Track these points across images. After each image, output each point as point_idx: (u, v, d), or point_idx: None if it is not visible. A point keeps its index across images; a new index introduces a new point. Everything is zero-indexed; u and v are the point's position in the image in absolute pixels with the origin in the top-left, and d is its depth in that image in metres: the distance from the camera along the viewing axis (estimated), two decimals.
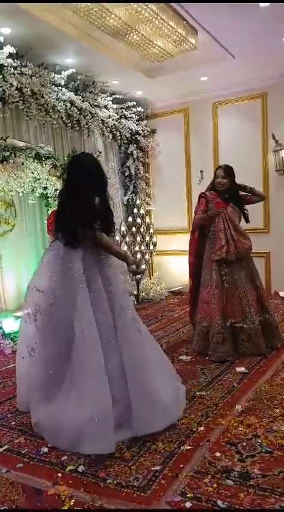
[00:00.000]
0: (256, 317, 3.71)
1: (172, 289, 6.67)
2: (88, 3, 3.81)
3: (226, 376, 3.26)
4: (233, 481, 1.98)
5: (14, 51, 4.30)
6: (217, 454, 2.20)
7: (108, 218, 2.67)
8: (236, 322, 3.66)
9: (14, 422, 2.67)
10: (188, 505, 1.83)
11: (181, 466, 2.12)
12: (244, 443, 2.29)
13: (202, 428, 2.47)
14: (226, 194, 3.85)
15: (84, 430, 2.27)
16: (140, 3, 3.89)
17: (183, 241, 6.76)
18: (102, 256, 2.66)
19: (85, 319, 2.44)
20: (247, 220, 3.95)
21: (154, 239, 6.58)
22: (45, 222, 4.94)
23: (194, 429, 2.47)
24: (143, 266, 6.10)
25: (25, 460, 2.26)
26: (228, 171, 3.83)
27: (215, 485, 1.94)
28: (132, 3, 3.89)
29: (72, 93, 5.23)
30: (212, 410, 2.69)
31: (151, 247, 6.54)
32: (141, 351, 2.54)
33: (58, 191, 4.76)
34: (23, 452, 2.34)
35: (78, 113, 5.38)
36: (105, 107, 5.96)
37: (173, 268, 6.90)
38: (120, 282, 2.72)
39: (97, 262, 2.63)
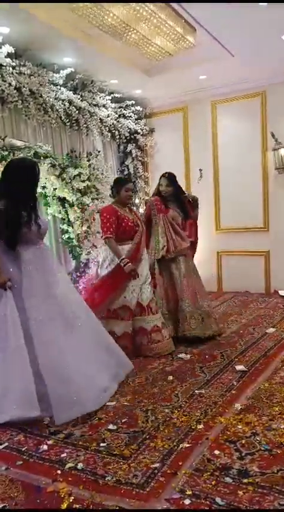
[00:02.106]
0: (190, 306, 4.13)
1: None
2: (87, 3, 3.81)
3: (225, 374, 3.27)
4: (232, 478, 1.98)
5: (13, 51, 4.29)
6: (216, 451, 2.20)
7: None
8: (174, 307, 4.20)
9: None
10: (187, 502, 1.83)
11: (180, 463, 2.12)
12: (243, 441, 2.30)
13: (201, 426, 2.48)
14: (170, 199, 4.32)
15: None
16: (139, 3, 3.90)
17: None
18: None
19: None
20: (186, 216, 4.37)
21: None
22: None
23: (193, 427, 2.47)
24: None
25: (24, 457, 2.27)
26: (171, 179, 4.31)
27: (214, 483, 1.95)
28: (130, 3, 3.89)
29: (70, 92, 5.22)
30: (211, 409, 2.70)
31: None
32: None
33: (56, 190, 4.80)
34: (23, 449, 2.35)
35: (77, 112, 5.37)
36: (104, 106, 5.96)
37: None
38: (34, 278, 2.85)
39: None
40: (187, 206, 4.39)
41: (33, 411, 2.57)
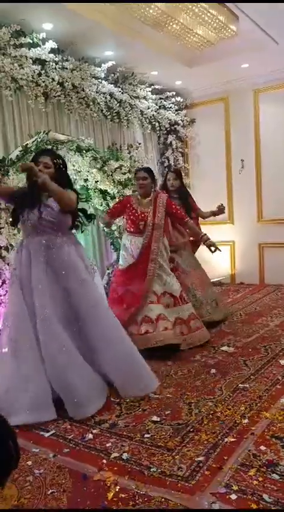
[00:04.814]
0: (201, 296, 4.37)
1: (213, 280, 6.59)
2: None
3: (270, 369, 3.21)
4: (279, 475, 1.95)
5: (56, 46, 4.36)
6: (262, 447, 2.17)
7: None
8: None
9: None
10: (233, 497, 1.82)
11: (225, 458, 2.11)
12: None
13: (246, 420, 2.45)
14: (176, 194, 4.46)
15: None
16: None
17: (223, 232, 6.69)
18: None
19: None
20: (188, 211, 4.39)
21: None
22: None
23: (238, 421, 2.45)
24: None
25: (71, 445, 2.33)
26: (179, 174, 4.57)
27: (260, 479, 1.92)
28: None
29: (111, 85, 5.25)
30: (256, 403, 2.66)
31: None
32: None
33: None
34: (69, 437, 2.41)
35: (118, 104, 5.39)
36: (144, 97, 5.94)
37: (213, 259, 6.81)
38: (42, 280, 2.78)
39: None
40: (190, 202, 4.60)
41: (48, 414, 2.57)
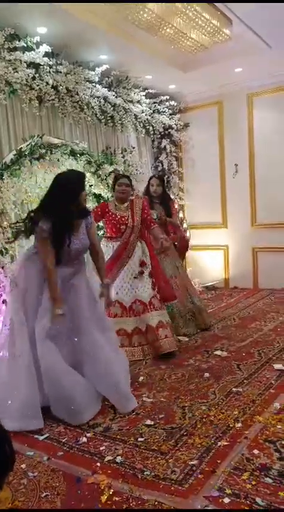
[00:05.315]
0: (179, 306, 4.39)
1: (206, 285, 6.63)
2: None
3: (263, 373, 3.22)
4: (273, 479, 1.95)
5: (50, 50, 4.36)
6: (255, 451, 2.18)
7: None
8: None
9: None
10: (226, 500, 1.82)
11: (219, 461, 2.11)
12: (283, 442, 2.26)
13: (239, 424, 2.46)
14: (158, 200, 4.52)
15: None
16: None
17: (217, 236, 6.72)
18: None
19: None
20: (169, 216, 4.52)
21: (188, 234, 6.55)
22: None
23: (231, 425, 2.45)
24: None
25: (65, 448, 2.33)
26: (162, 180, 4.66)
27: (254, 483, 1.93)
28: None
29: (105, 89, 5.26)
30: (249, 407, 2.67)
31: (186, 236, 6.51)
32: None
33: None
34: (63, 441, 2.41)
35: (112, 108, 5.41)
36: (138, 101, 5.96)
37: (207, 263, 6.86)
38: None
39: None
40: (171, 208, 4.65)
41: (36, 422, 2.56)
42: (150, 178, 4.72)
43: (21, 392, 2.59)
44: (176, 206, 5.20)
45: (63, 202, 2.77)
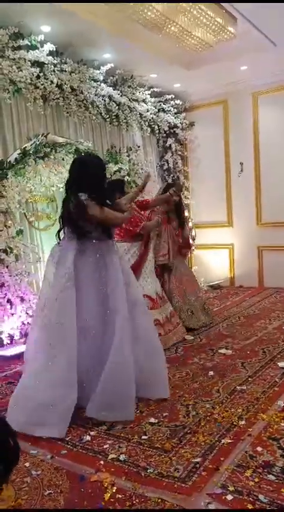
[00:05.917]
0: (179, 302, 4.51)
1: (211, 283, 6.62)
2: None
3: (267, 371, 3.21)
4: (276, 476, 1.95)
5: (54, 49, 4.38)
6: (259, 448, 2.17)
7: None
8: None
9: None
10: (229, 498, 1.82)
11: (222, 459, 2.11)
12: None
13: (243, 422, 2.45)
14: (172, 208, 4.52)
15: None
16: None
17: (222, 235, 6.71)
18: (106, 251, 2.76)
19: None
20: (182, 224, 4.63)
21: (193, 233, 6.55)
22: None
23: (235, 423, 2.45)
24: None
25: (68, 446, 2.33)
26: (180, 189, 4.78)
27: (257, 480, 1.92)
28: None
29: (110, 88, 5.27)
30: (253, 405, 2.66)
31: (190, 241, 6.50)
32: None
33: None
34: (67, 439, 2.41)
35: (117, 107, 5.41)
36: (143, 100, 5.97)
37: (212, 262, 6.85)
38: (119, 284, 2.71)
39: (97, 260, 2.74)
40: (184, 215, 4.80)
41: (61, 430, 2.47)
42: (168, 185, 4.56)
43: (58, 400, 2.47)
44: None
45: (96, 176, 2.73)
